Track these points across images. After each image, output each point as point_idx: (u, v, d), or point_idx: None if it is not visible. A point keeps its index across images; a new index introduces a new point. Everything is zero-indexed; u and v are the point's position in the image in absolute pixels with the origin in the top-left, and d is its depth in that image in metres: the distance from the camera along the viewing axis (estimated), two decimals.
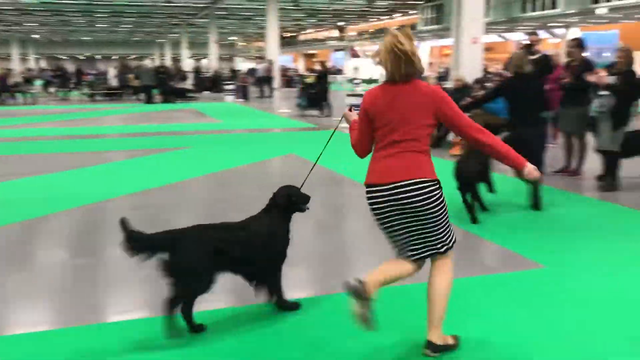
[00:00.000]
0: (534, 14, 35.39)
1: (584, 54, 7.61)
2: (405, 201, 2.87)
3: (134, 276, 4.22)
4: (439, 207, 2.91)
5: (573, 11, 32.16)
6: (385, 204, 2.92)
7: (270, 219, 3.56)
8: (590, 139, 7.58)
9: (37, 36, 76.21)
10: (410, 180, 2.88)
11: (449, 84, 13.62)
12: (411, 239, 2.97)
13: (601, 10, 29.44)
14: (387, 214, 2.95)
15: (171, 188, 7.27)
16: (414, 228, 2.94)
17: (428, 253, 3.00)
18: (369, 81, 35.00)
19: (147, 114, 18.11)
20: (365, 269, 4.31)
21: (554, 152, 9.44)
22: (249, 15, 53.95)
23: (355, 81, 31.33)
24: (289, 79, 35.77)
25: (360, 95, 15.39)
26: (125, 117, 17.50)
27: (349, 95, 15.08)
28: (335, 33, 67.77)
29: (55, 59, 77.32)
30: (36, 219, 5.82)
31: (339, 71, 44.74)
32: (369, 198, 3.00)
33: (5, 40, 68.98)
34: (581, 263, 4.49)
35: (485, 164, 5.87)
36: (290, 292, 3.65)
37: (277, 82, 29.20)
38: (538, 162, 5.06)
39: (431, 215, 2.90)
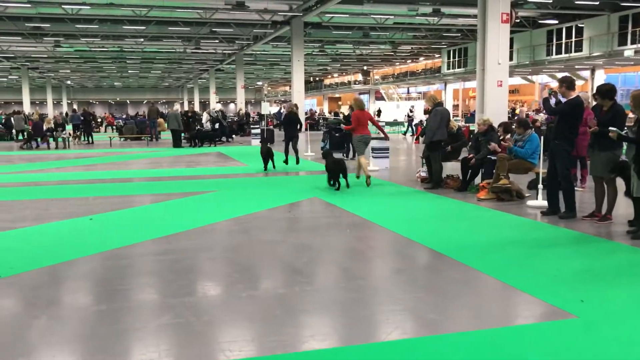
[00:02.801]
0: (558, 56, 35.41)
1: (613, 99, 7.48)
2: (371, 138, 12.41)
3: (153, 322, 4.18)
4: None
5: (599, 53, 32.11)
6: (368, 140, 11.84)
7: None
8: (620, 183, 7.40)
9: (70, 82, 78.68)
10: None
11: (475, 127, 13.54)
12: (366, 149, 11.90)
13: (629, 52, 29.33)
14: (367, 143, 11.74)
15: (195, 233, 7.26)
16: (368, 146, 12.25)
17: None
18: (394, 124, 35.06)
19: (174, 158, 18.36)
20: (392, 318, 4.23)
21: (583, 196, 9.26)
22: (275, 61, 55.08)
23: (380, 124, 31.41)
24: (313, 122, 36.07)
25: (383, 139, 15.36)
26: (152, 161, 17.76)
27: (373, 138, 15.01)
28: (360, 76, 68.60)
29: (88, 103, 79.54)
30: (61, 264, 5.84)
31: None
32: (363, 137, 11.54)
33: (41, 87, 71.29)
34: (615, 313, 4.31)
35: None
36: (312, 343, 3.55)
37: (302, 125, 29.42)
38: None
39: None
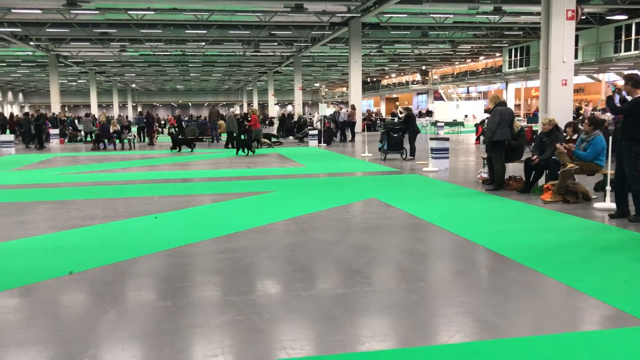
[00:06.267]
0: (627, 53, 33.97)
1: None
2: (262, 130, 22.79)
3: (216, 319, 4.27)
4: None
5: None
6: (262, 131, 22.46)
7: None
8: None
9: (135, 85, 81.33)
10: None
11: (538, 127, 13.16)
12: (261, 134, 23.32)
13: None
14: (261, 132, 22.57)
15: (254, 232, 7.38)
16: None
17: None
18: (453, 124, 34.50)
19: (233, 159, 18.70)
20: (454, 320, 4.17)
21: None
22: (333, 62, 55.24)
23: (439, 124, 30.94)
24: (370, 123, 35.92)
25: (445, 139, 15.11)
26: (212, 162, 18.15)
27: (432, 139, 14.84)
28: (418, 76, 67.89)
29: (151, 106, 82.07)
30: (125, 261, 6.05)
31: (429, 113, 44.18)
32: (259, 130, 21.81)
33: (107, 90, 74.05)
34: None
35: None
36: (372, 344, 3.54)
37: (359, 126, 29.44)
38: None
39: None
